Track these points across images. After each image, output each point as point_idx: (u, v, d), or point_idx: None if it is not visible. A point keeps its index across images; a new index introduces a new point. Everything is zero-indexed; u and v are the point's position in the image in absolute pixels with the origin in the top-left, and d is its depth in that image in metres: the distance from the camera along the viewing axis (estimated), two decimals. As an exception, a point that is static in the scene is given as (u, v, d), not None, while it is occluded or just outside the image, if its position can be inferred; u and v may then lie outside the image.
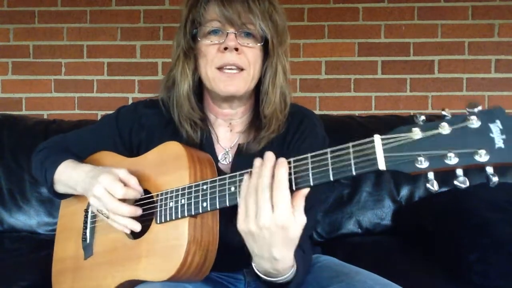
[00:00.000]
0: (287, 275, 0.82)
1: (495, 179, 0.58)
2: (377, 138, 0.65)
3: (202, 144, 1.07)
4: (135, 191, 0.95)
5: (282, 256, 0.76)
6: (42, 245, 1.54)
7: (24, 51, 2.38)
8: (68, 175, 1.06)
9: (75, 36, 2.39)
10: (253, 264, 0.84)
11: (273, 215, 0.70)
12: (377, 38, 2.35)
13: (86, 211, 1.10)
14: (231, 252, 0.96)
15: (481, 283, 1.25)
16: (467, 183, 0.60)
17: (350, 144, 0.68)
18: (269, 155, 0.75)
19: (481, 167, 0.58)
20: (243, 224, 0.75)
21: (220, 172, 1.02)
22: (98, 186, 0.94)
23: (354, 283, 0.90)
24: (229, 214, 0.95)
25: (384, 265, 1.06)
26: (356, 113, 2.34)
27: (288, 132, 1.09)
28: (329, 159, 0.70)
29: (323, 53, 2.36)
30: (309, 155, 0.73)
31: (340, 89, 2.37)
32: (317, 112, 2.32)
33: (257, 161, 0.76)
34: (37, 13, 2.38)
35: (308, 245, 1.02)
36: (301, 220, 0.73)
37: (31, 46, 2.39)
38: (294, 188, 0.73)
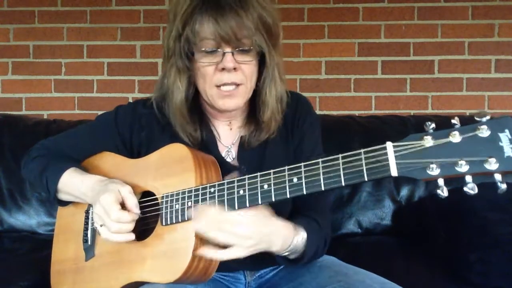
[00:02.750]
0: (293, 246, 0.92)
1: (503, 186, 0.61)
2: (389, 145, 0.67)
3: (204, 143, 1.07)
4: (131, 215, 0.93)
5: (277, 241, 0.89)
6: (42, 245, 1.54)
7: (24, 51, 2.38)
8: (74, 186, 1.05)
9: (75, 36, 2.39)
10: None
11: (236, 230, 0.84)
12: (377, 38, 2.35)
13: (87, 212, 1.10)
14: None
15: (481, 283, 1.25)
16: (476, 190, 0.62)
17: (362, 150, 0.70)
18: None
19: (491, 174, 0.61)
20: (244, 253, 0.86)
21: (230, 166, 1.03)
22: (98, 205, 0.94)
23: (353, 282, 0.91)
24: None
25: (384, 265, 1.07)
26: (356, 113, 2.34)
27: (287, 118, 1.10)
28: (340, 164, 0.72)
29: (323, 53, 2.36)
30: (320, 160, 0.74)
31: (340, 89, 2.37)
32: (317, 112, 2.33)
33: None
34: (37, 13, 2.38)
35: (325, 218, 1.04)
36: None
37: (31, 46, 2.39)
38: (305, 192, 0.76)
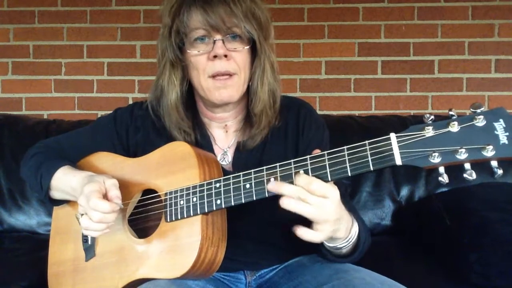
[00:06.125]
0: (350, 237, 0.90)
1: (499, 171, 0.64)
2: (392, 136, 0.71)
3: (199, 145, 1.07)
4: (111, 205, 0.90)
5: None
6: (42, 245, 1.52)
7: (24, 51, 2.38)
8: (67, 181, 1.04)
9: (75, 36, 2.39)
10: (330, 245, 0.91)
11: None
12: (377, 38, 2.35)
13: (86, 211, 1.09)
14: (232, 252, 0.96)
15: (481, 283, 1.25)
16: (474, 176, 0.66)
17: (367, 142, 0.73)
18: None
19: (488, 161, 0.65)
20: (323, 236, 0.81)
21: (224, 171, 1.03)
22: (82, 195, 0.92)
23: (352, 280, 0.90)
24: (230, 215, 0.95)
25: (384, 265, 1.06)
26: (356, 113, 2.34)
27: (288, 124, 1.10)
28: (346, 156, 0.74)
29: (323, 53, 2.36)
30: (325, 152, 0.76)
31: (340, 89, 2.37)
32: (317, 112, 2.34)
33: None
34: (37, 13, 2.38)
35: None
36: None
37: (31, 46, 2.39)
38: None
